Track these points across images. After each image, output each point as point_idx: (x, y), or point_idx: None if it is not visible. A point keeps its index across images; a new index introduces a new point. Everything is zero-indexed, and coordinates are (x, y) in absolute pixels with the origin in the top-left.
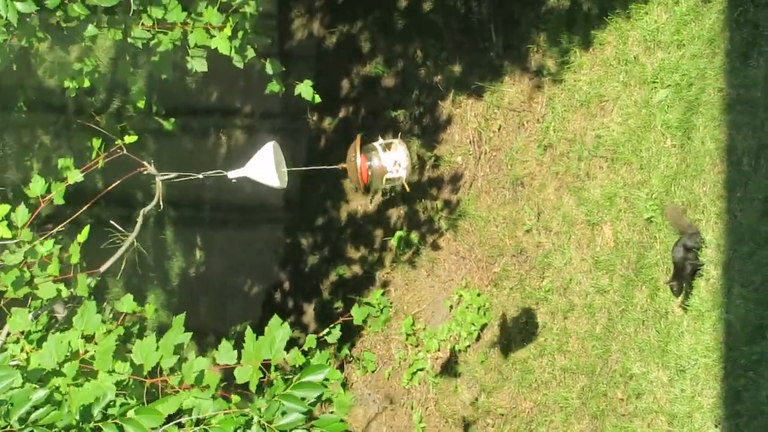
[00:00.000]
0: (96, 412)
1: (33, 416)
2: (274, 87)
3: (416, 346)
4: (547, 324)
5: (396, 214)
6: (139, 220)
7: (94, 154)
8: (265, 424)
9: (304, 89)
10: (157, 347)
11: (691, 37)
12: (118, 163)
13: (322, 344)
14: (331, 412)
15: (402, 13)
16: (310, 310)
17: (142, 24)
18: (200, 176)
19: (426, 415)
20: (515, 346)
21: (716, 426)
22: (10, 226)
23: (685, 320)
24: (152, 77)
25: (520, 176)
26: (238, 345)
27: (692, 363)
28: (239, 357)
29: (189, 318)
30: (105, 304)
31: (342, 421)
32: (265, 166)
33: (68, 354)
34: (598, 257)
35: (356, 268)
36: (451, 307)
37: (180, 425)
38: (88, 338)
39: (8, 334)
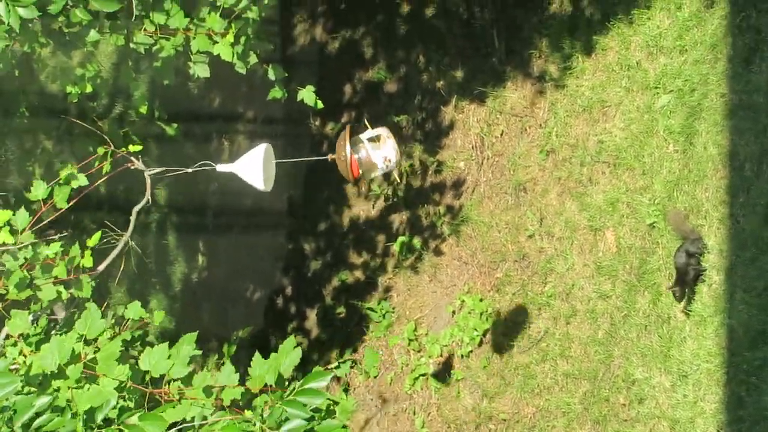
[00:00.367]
0: (99, 418)
1: (36, 423)
2: (276, 93)
3: (418, 351)
4: (550, 329)
5: (398, 219)
6: (132, 218)
7: (98, 162)
8: (268, 430)
9: (307, 95)
10: (169, 355)
11: (694, 43)
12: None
13: (323, 346)
14: (334, 417)
15: (404, 19)
16: (312, 316)
17: (145, 29)
18: (189, 170)
19: (428, 420)
20: (517, 351)
21: (719, 431)
22: (12, 231)
23: (687, 325)
24: (154, 83)
25: (522, 181)
26: (240, 351)
27: (695, 368)
28: (242, 379)
29: (191, 323)
30: (104, 308)
31: (344, 426)
32: (253, 167)
33: (70, 356)
34: (601, 262)
35: (359, 274)
36: (454, 312)
37: None
38: (89, 341)
39: (6, 337)
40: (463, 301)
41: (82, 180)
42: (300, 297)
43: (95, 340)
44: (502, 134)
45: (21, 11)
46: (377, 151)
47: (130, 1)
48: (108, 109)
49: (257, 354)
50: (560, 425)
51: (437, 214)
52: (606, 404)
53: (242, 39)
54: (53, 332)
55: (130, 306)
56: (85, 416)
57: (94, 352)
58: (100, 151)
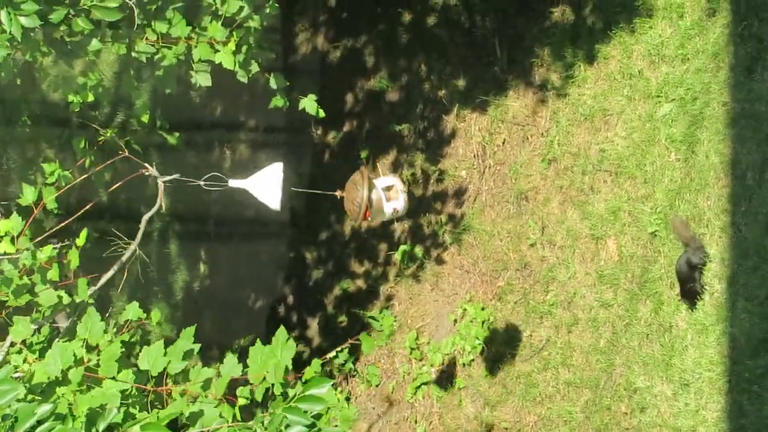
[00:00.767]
0: (102, 427)
1: (38, 430)
2: (278, 101)
3: (420, 360)
4: (551, 338)
5: (400, 228)
6: (141, 226)
7: (80, 154)
8: None
9: (309, 104)
10: (165, 353)
11: (696, 52)
12: (121, 175)
13: (325, 354)
14: (335, 426)
15: (406, 28)
16: (314, 325)
17: (146, 38)
18: (200, 182)
19: (430, 429)
20: (519, 359)
21: None
22: (13, 240)
23: (689, 334)
24: (156, 91)
25: (524, 190)
26: (241, 359)
27: (696, 377)
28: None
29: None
30: (107, 316)
31: None
32: (270, 186)
33: (73, 361)
34: (603, 271)
35: (360, 283)
36: (455, 321)
37: None
38: (91, 347)
39: (11, 345)
40: (465, 309)
41: (67, 177)
42: (301, 306)
43: (97, 345)
44: (503, 143)
45: (23, 20)
46: (389, 202)
47: (132, 10)
48: (110, 118)
49: (258, 342)
50: None
51: (439, 222)
52: (608, 413)
53: (244, 48)
54: (56, 340)
55: (129, 307)
56: (85, 419)
57: (97, 356)
58: (78, 143)
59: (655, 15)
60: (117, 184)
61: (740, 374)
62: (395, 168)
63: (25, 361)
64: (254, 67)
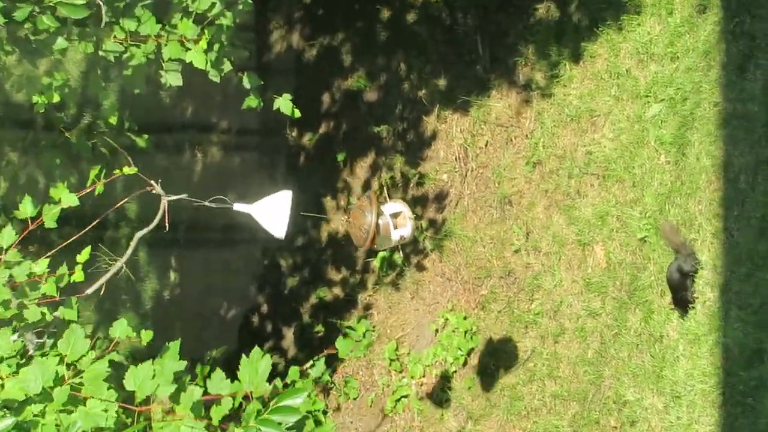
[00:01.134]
0: None
1: None
2: (251, 102)
3: (400, 372)
4: (537, 348)
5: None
6: (133, 243)
7: (89, 182)
8: None
9: (283, 104)
10: (154, 375)
11: (686, 50)
12: (111, 187)
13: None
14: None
15: (385, 25)
16: (289, 335)
17: (115, 36)
18: (205, 203)
19: None
20: (503, 371)
21: None
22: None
23: (680, 344)
24: (125, 92)
25: (508, 194)
26: (213, 371)
27: (688, 389)
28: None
29: (163, 342)
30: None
31: None
32: (277, 214)
33: (53, 379)
34: (590, 279)
35: (337, 291)
36: (437, 330)
37: None
38: (70, 364)
39: None
40: (447, 319)
41: (71, 200)
42: (276, 315)
43: (76, 361)
44: (486, 145)
45: None
46: (397, 229)
47: (99, 8)
48: (76, 120)
49: (244, 357)
50: None
51: (419, 228)
52: (596, 427)
53: (216, 46)
54: (35, 353)
55: (116, 324)
56: None
57: (75, 374)
58: (94, 170)
59: (643, 12)
60: (124, 200)
61: (734, 386)
62: (373, 171)
63: None
64: (227, 66)
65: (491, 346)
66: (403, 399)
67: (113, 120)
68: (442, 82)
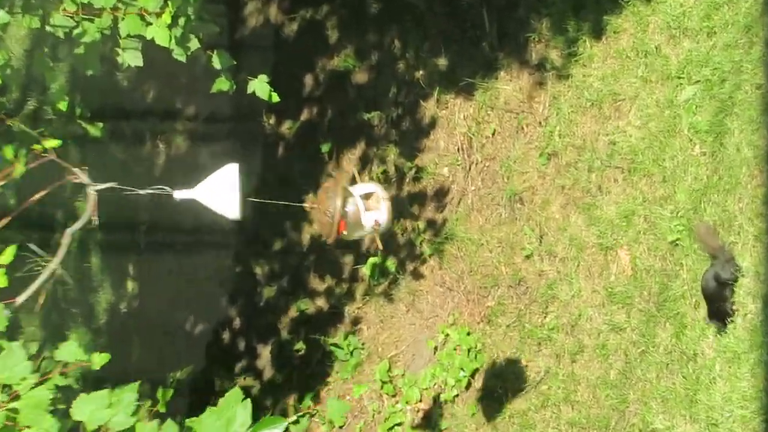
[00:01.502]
0: None
1: None
2: (222, 84)
3: (393, 396)
4: (552, 369)
5: (369, 236)
6: (65, 241)
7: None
8: None
9: (259, 87)
10: (110, 404)
11: (724, 24)
12: (36, 175)
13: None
14: None
15: None
16: (265, 353)
17: (64, 9)
18: (141, 192)
19: None
20: (512, 395)
21: None
22: None
23: (717, 364)
24: (76, 73)
25: (518, 191)
26: (177, 396)
27: (726, 415)
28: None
29: (119, 362)
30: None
31: None
32: (225, 192)
33: None
34: (613, 288)
35: (321, 302)
36: (436, 348)
37: None
38: (5, 386)
39: None
40: (448, 335)
41: None
42: (250, 330)
43: (10, 386)
44: (493, 134)
45: None
46: (369, 212)
47: None
48: (19, 105)
49: (209, 410)
50: None
51: (416, 230)
52: None
53: (181, 20)
54: None
55: (63, 346)
56: None
57: (12, 400)
58: (8, 152)
59: None
60: (42, 193)
61: None
62: (363, 164)
63: None
64: (194, 44)
65: (498, 367)
66: (396, 427)
67: (62, 105)
68: (442, 62)
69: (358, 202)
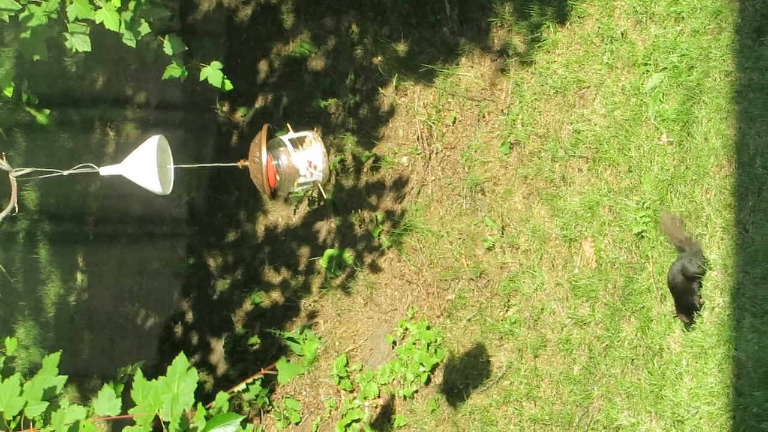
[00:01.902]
0: None
1: None
2: (174, 71)
3: (351, 392)
4: (514, 364)
5: (326, 228)
6: None
7: None
8: None
9: (212, 73)
10: (22, 391)
11: (692, 9)
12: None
13: (232, 385)
14: None
15: None
16: (219, 348)
17: None
18: (65, 173)
19: None
20: (473, 391)
21: None
22: None
23: (684, 359)
24: (22, 58)
25: (479, 181)
26: (128, 391)
27: (693, 412)
28: (125, 406)
29: (68, 357)
30: None
31: None
32: (146, 165)
33: None
34: (577, 281)
35: (276, 295)
36: (395, 343)
37: None
38: None
39: None
40: (407, 329)
41: None
42: (203, 324)
43: None
44: (454, 122)
45: None
46: (300, 153)
47: None
48: None
49: (139, 372)
50: None
51: (374, 221)
52: None
53: (131, 4)
54: None
55: (8, 342)
56: None
57: None
58: None
59: None
60: None
61: (746, 408)
62: None
63: None
64: (144, 28)
65: (459, 362)
66: (354, 424)
67: (8, 92)
68: (401, 48)
69: (288, 148)
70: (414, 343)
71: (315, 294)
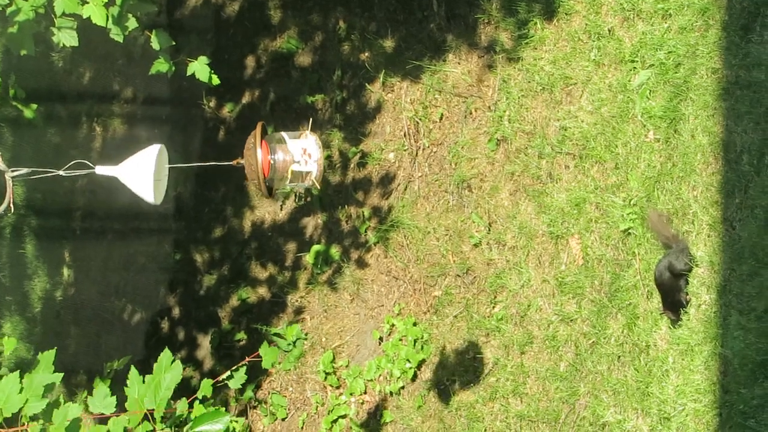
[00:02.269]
0: None
1: None
2: (161, 66)
3: (337, 388)
4: (500, 360)
5: (313, 223)
6: None
7: None
8: None
9: (199, 69)
10: (21, 388)
11: (679, 6)
12: None
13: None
14: None
15: None
16: (205, 343)
17: None
18: (61, 172)
19: None
20: (460, 387)
21: None
22: None
23: (670, 356)
24: (9, 53)
25: (466, 177)
26: (115, 386)
27: (679, 409)
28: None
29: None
30: None
31: None
32: (143, 173)
33: None
34: (563, 278)
35: (263, 291)
36: (381, 339)
37: None
38: None
39: None
40: (393, 325)
41: None
42: (190, 320)
43: None
44: (441, 119)
45: None
46: (295, 141)
47: None
48: None
49: (133, 369)
50: None
51: (361, 217)
52: None
53: None
54: None
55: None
56: None
57: None
58: None
59: None
60: None
61: (733, 405)
62: None
63: None
64: (131, 23)
65: (445, 358)
66: (340, 420)
67: None
68: (389, 44)
69: (284, 139)
70: (400, 340)
71: (302, 290)
